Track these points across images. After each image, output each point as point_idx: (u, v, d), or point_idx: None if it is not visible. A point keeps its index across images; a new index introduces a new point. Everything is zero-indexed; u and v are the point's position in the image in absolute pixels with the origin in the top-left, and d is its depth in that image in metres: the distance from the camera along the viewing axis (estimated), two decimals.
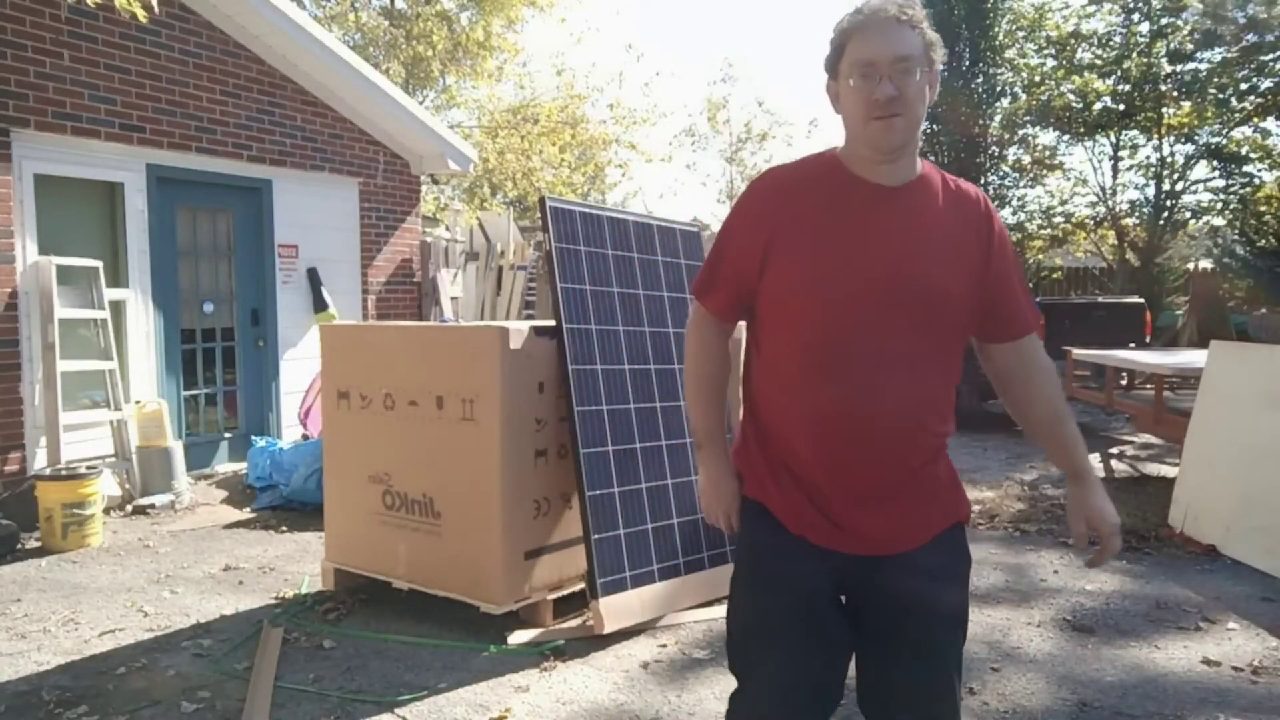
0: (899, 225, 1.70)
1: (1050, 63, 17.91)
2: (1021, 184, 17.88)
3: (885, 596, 1.76)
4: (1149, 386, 7.85)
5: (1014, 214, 17.47)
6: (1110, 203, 18.08)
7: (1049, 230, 17.90)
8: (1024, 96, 17.83)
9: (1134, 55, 16.55)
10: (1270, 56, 15.21)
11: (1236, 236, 16.85)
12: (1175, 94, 16.31)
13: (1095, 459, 7.51)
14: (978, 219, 1.75)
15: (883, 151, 1.67)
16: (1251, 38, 15.02)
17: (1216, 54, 15.82)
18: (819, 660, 1.75)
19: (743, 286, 1.82)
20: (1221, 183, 17.26)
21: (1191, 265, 18.03)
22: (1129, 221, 17.96)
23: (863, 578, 1.76)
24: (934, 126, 16.23)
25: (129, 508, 5.78)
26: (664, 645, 3.65)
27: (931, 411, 1.74)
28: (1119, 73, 16.72)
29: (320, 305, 7.49)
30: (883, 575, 1.75)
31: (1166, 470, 6.83)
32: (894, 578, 1.74)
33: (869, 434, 1.70)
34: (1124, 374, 8.12)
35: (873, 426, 1.69)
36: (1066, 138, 18.16)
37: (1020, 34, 17.98)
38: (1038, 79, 17.79)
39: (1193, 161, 17.14)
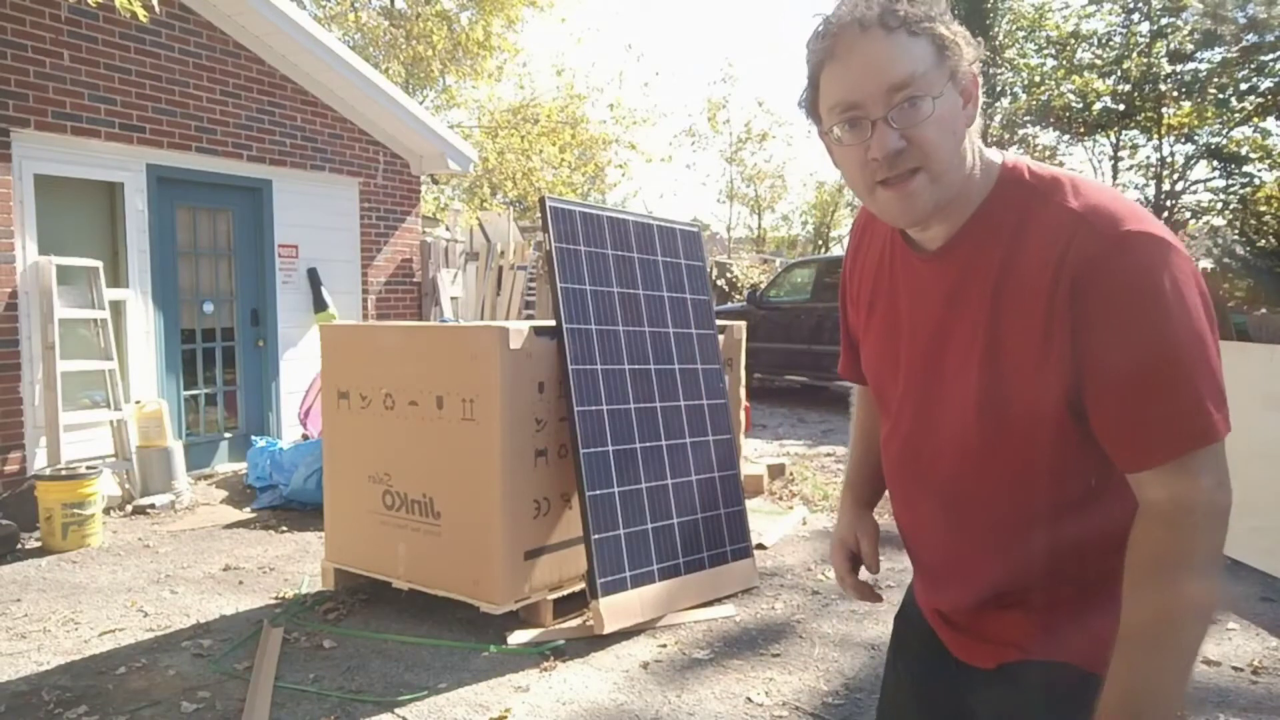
0: (929, 311, 1.22)
1: (1050, 63, 17.95)
2: None
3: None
4: None
5: None
6: None
7: None
8: (1024, 96, 17.86)
9: (1134, 55, 16.57)
10: (1270, 56, 15.22)
11: (1236, 236, 16.86)
12: (1175, 94, 16.33)
13: None
14: (1043, 279, 1.09)
15: (905, 225, 1.19)
16: (1251, 38, 15.03)
17: (1216, 54, 15.83)
18: None
19: (854, 345, 1.47)
20: (1221, 183, 17.29)
21: None
22: None
23: (954, 686, 1.37)
24: None
25: (129, 508, 5.77)
26: (664, 645, 3.65)
27: (992, 562, 1.26)
28: (1119, 73, 16.75)
29: (320, 305, 7.49)
30: (964, 689, 1.35)
31: None
32: (972, 696, 1.35)
33: (936, 566, 1.36)
34: None
35: (939, 560, 1.35)
36: (1066, 138, 18.19)
37: (1020, 34, 18.02)
38: (1038, 79, 17.82)
39: (1193, 161, 17.17)
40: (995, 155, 1.18)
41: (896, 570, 4.19)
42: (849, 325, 1.46)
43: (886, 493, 1.50)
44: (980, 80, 1.15)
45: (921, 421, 1.26)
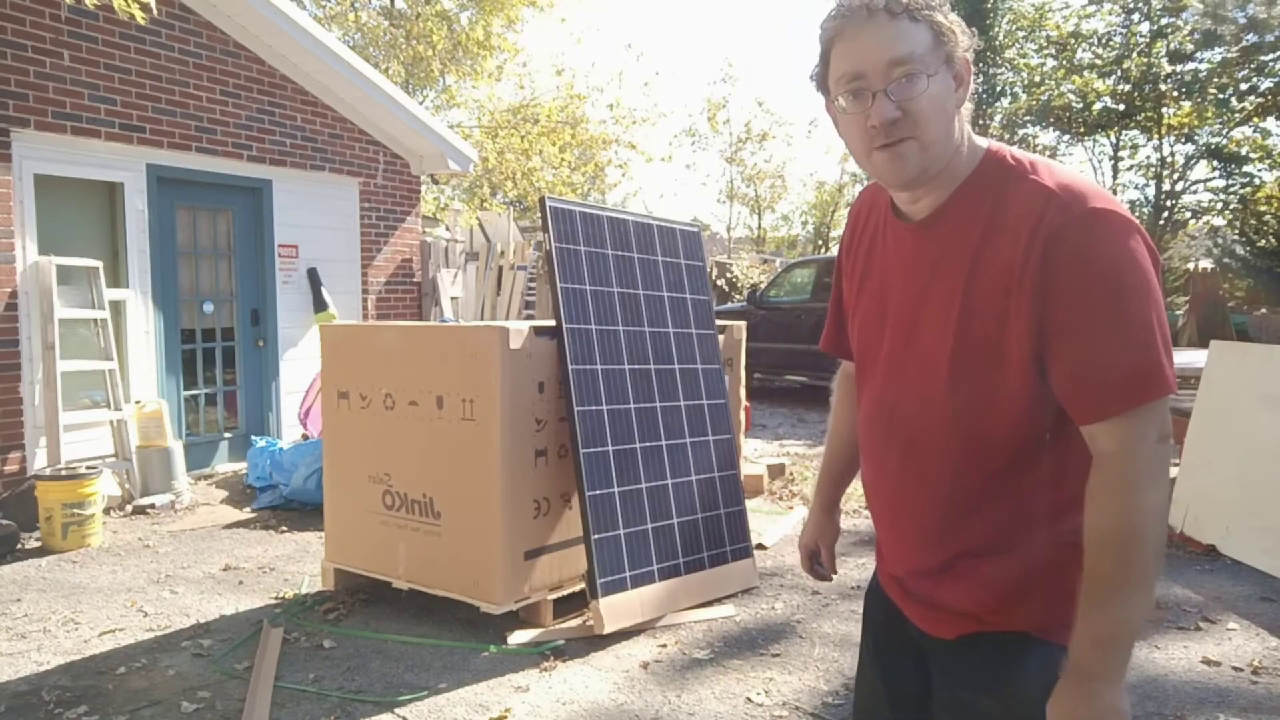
0: (914, 277, 1.34)
1: (1050, 63, 17.96)
2: None
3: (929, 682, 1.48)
4: None
5: None
6: None
7: None
8: (1024, 96, 17.87)
9: (1134, 55, 16.57)
10: (1270, 56, 15.23)
11: (1236, 236, 16.86)
12: (1175, 94, 16.33)
13: None
14: (1017, 246, 1.21)
15: (897, 187, 1.32)
16: (1251, 38, 15.04)
17: (1216, 54, 15.84)
18: (880, 709, 1.57)
19: (842, 320, 1.59)
20: (1221, 183, 17.30)
21: (1191, 265, 18.05)
22: None
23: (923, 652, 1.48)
24: None
25: (129, 508, 5.77)
26: (664, 645, 3.65)
27: (953, 517, 1.34)
28: (1119, 73, 16.76)
29: (320, 305, 7.49)
30: (931, 658, 1.46)
31: None
32: (933, 665, 1.45)
33: (897, 524, 1.45)
34: None
35: (901, 517, 1.43)
36: (1066, 138, 18.20)
37: (1020, 34, 18.03)
38: (1038, 79, 17.83)
39: (1193, 161, 17.18)
40: (982, 140, 1.32)
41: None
42: (842, 299, 1.58)
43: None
44: (972, 67, 1.28)
45: (897, 378, 1.37)
